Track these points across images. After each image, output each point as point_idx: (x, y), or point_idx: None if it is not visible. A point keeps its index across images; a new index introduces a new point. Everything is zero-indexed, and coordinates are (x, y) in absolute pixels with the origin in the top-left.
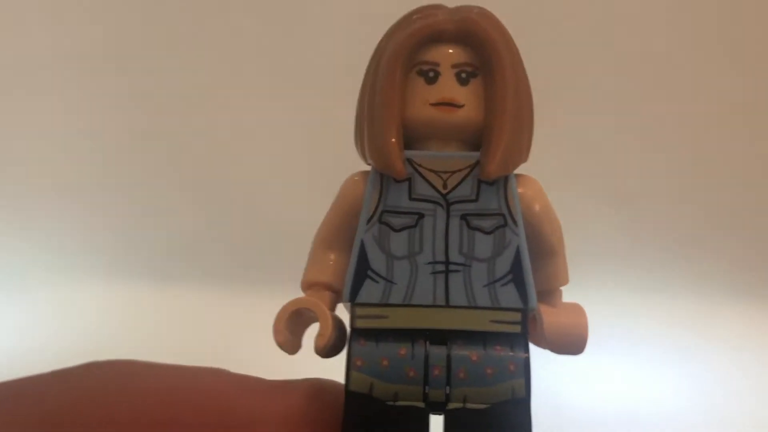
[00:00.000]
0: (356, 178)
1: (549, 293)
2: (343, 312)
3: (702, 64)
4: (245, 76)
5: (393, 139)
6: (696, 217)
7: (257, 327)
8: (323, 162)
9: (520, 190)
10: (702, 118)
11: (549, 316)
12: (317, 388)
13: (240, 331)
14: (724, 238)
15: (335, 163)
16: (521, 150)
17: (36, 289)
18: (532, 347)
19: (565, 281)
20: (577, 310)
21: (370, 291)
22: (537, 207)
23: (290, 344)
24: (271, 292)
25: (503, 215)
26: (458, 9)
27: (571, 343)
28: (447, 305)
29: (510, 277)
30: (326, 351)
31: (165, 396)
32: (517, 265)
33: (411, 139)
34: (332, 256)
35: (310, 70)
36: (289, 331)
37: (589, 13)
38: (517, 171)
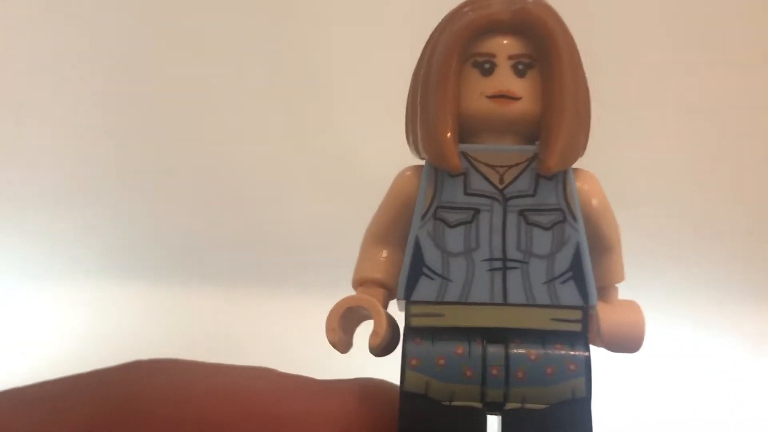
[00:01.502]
0: (408, 173)
1: (604, 290)
2: (394, 309)
3: (702, 64)
4: (247, 75)
5: (449, 134)
6: (697, 217)
7: (271, 326)
8: (324, 162)
9: (578, 185)
10: (703, 117)
11: (606, 314)
12: (369, 388)
13: (254, 331)
14: (725, 238)
15: (336, 163)
16: (579, 144)
17: (45, 288)
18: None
19: (621, 278)
20: (633, 307)
21: (426, 289)
22: (595, 202)
23: (343, 343)
24: (279, 293)
25: (562, 210)
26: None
27: (628, 341)
28: (505, 303)
29: (570, 274)
30: (380, 350)
31: (211, 396)
32: (577, 262)
33: (466, 132)
34: (384, 253)
35: (311, 70)
36: (341, 329)
37: (588, 11)
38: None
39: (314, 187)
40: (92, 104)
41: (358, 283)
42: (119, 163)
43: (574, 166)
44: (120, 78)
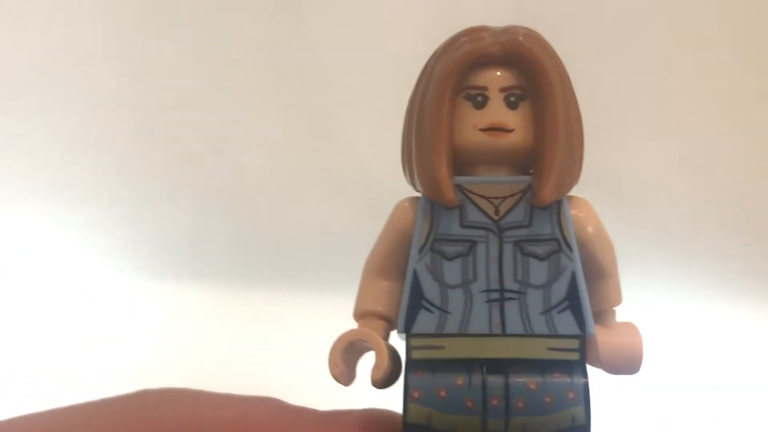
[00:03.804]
0: (405, 205)
1: (603, 314)
2: (395, 339)
3: (703, 63)
4: (247, 75)
5: (443, 168)
6: (698, 216)
7: (272, 325)
8: (325, 162)
9: (572, 212)
10: (704, 116)
11: (603, 337)
12: (372, 418)
13: (254, 329)
14: (727, 238)
15: (337, 163)
16: (573, 174)
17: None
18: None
19: (619, 301)
20: (631, 329)
21: (425, 321)
22: (590, 229)
23: (345, 376)
24: (278, 292)
25: (557, 240)
26: (504, 30)
27: (627, 363)
28: (503, 334)
29: (566, 303)
30: (382, 382)
31: (217, 427)
32: (573, 291)
33: (460, 164)
34: (384, 285)
35: (313, 70)
36: (343, 362)
37: (589, 14)
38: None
39: (316, 187)
40: (93, 104)
41: (359, 315)
42: (120, 164)
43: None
44: (121, 77)
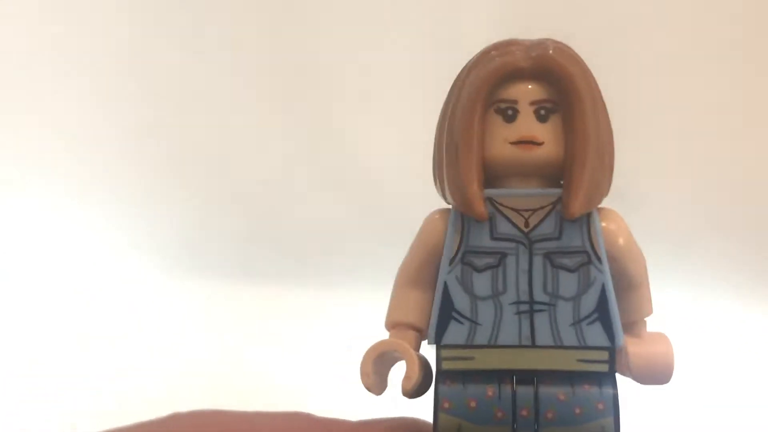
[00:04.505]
0: (437, 216)
1: (634, 324)
2: (426, 349)
3: (704, 62)
4: (248, 75)
5: (474, 183)
6: (701, 215)
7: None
8: (326, 161)
9: (603, 224)
10: (706, 113)
11: (634, 347)
12: (402, 427)
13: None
14: (728, 236)
15: (338, 162)
16: (602, 187)
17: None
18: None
19: (649, 312)
20: (662, 339)
21: (455, 333)
22: (621, 241)
23: (376, 385)
24: (279, 291)
25: (587, 252)
26: (535, 44)
27: (658, 373)
28: (533, 345)
29: (596, 315)
30: (413, 392)
31: None
32: (602, 303)
33: (491, 177)
34: (415, 295)
35: (313, 71)
36: (375, 372)
37: (588, 15)
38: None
39: (318, 186)
40: (96, 103)
41: (391, 326)
42: (123, 161)
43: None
44: (123, 78)
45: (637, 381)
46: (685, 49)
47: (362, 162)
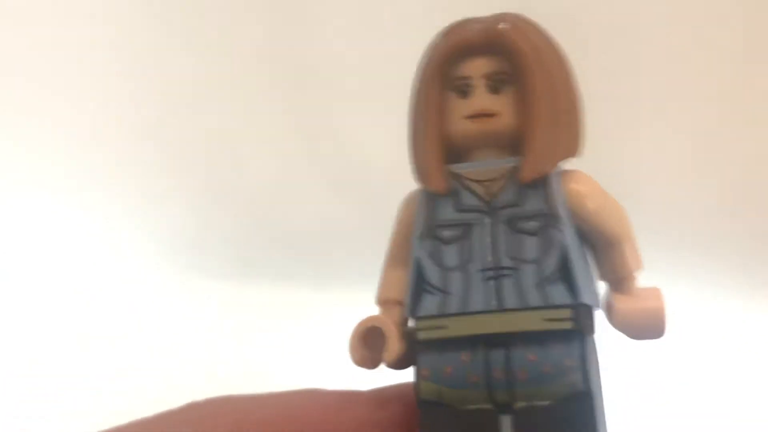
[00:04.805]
0: (410, 197)
1: (622, 280)
2: None
3: (705, 58)
4: (249, 75)
5: (433, 158)
6: (700, 209)
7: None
8: (326, 160)
9: (571, 186)
10: (707, 110)
11: (621, 303)
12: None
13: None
14: (730, 231)
15: (338, 160)
16: (557, 151)
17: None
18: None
19: (638, 266)
20: (651, 294)
21: (429, 304)
22: (589, 200)
23: (368, 360)
24: (280, 290)
25: (546, 215)
26: (488, 19)
27: (646, 328)
28: (501, 309)
29: (558, 274)
30: (397, 364)
31: (274, 419)
32: (564, 262)
33: (458, 154)
34: (399, 273)
35: (314, 69)
36: (367, 347)
37: (590, 10)
38: (569, 166)
39: (318, 184)
40: (98, 103)
41: (380, 302)
42: (124, 161)
43: (567, 167)
44: (125, 78)
45: (630, 336)
46: (686, 48)
47: (362, 162)
